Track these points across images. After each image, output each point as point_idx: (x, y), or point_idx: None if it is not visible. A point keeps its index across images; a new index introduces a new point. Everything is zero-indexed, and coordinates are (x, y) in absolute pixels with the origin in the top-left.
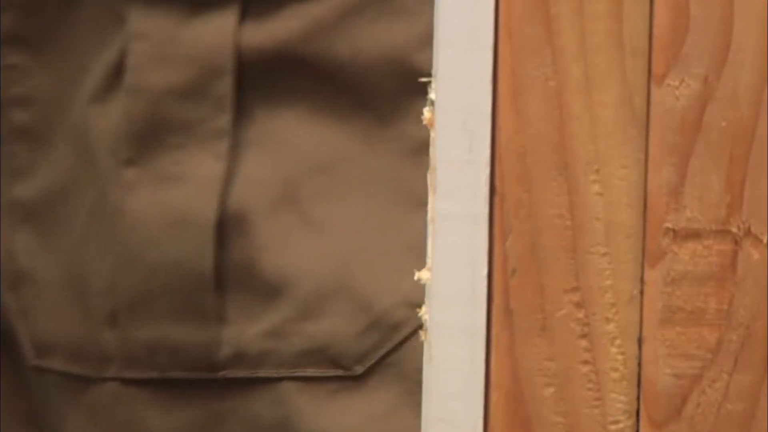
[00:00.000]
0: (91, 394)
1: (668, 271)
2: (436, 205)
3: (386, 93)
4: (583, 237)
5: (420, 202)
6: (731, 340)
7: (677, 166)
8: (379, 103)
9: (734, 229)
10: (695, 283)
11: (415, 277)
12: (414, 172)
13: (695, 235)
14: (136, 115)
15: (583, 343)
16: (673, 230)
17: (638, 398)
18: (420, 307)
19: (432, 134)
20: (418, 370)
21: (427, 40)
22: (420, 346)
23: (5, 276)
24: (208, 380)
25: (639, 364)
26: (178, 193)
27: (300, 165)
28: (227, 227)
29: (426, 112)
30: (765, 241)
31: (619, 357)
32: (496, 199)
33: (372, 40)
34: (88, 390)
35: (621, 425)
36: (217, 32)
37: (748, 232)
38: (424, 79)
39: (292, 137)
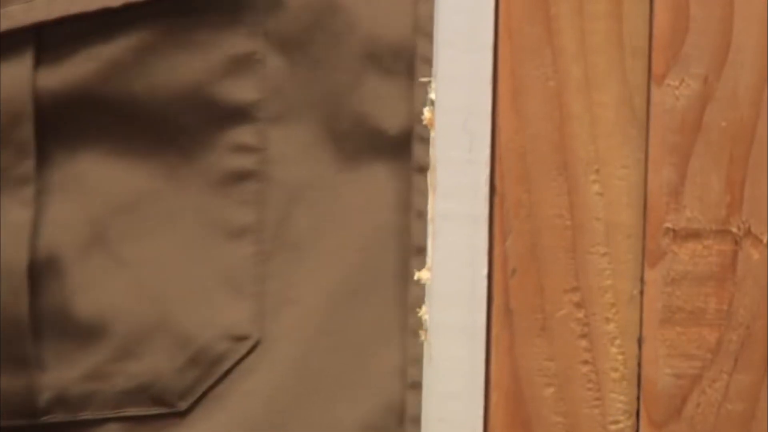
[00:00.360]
0: None
1: (668, 271)
2: (436, 205)
3: (187, 127)
4: (583, 237)
5: (232, 233)
6: (731, 340)
7: (677, 166)
8: (180, 138)
9: (734, 229)
10: (695, 283)
11: (415, 277)
12: (223, 204)
13: (695, 235)
14: None
15: (583, 343)
16: (673, 230)
17: (638, 398)
18: (246, 338)
19: (432, 134)
20: (243, 403)
21: (223, 73)
22: (244, 378)
23: None
24: (30, 427)
25: (639, 364)
26: None
27: (106, 206)
28: (39, 273)
29: (426, 112)
30: (765, 241)
31: (619, 357)
32: (496, 199)
33: (169, 76)
34: None
35: (621, 425)
36: (13, 79)
37: (748, 232)
38: (424, 79)
39: (96, 179)
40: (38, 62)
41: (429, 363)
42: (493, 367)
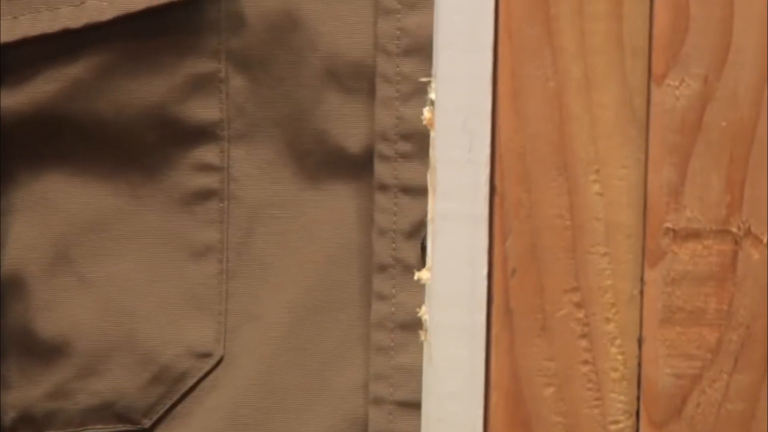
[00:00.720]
0: None
1: (668, 271)
2: (436, 205)
3: (150, 147)
4: (583, 237)
5: (196, 251)
6: (731, 340)
7: (677, 166)
8: (143, 157)
9: (734, 229)
10: (695, 283)
11: (415, 277)
12: (187, 223)
13: (695, 235)
14: None
15: (583, 343)
16: (673, 230)
17: (638, 398)
18: (209, 355)
19: (432, 134)
20: (207, 420)
21: (186, 92)
22: (207, 394)
23: None
24: None
25: (639, 364)
26: None
27: (70, 225)
28: (3, 291)
29: (426, 112)
30: (765, 241)
31: (619, 357)
32: (496, 199)
33: (132, 95)
34: None
35: (621, 425)
36: None
37: (748, 232)
38: (424, 79)
39: (60, 198)
40: (0, 82)
41: (429, 363)
42: (493, 367)
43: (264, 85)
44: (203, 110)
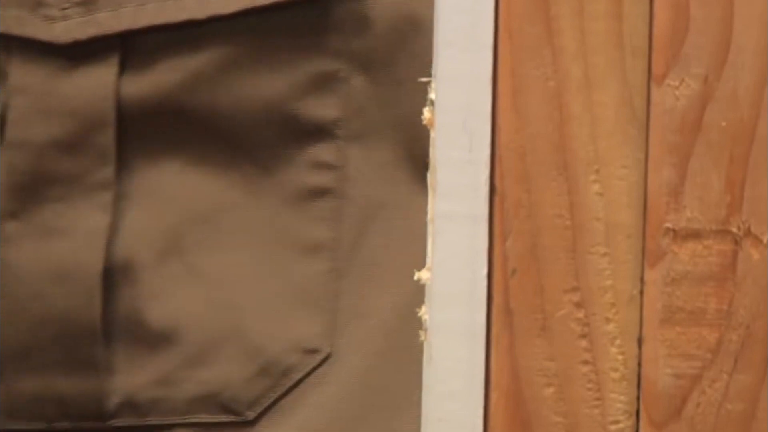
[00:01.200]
0: None
1: (668, 271)
2: (436, 205)
3: (267, 142)
4: (583, 237)
5: (307, 248)
6: (731, 340)
7: (677, 166)
8: (260, 152)
9: (734, 229)
10: (695, 283)
11: (415, 277)
12: (299, 219)
13: (695, 235)
14: (17, 168)
15: (583, 343)
16: (673, 230)
17: (638, 398)
18: (317, 351)
19: (432, 134)
20: (310, 415)
21: (306, 90)
22: (312, 390)
23: None
24: (97, 430)
25: (639, 364)
26: (62, 246)
27: (183, 215)
28: (114, 278)
29: (426, 112)
30: (765, 241)
31: (619, 357)
32: (496, 199)
33: (250, 91)
34: None
35: (621, 425)
36: (98, 84)
37: (748, 232)
38: (424, 79)
39: (174, 188)
40: (123, 69)
41: (429, 363)
42: (493, 367)
43: (384, 87)
44: (322, 109)
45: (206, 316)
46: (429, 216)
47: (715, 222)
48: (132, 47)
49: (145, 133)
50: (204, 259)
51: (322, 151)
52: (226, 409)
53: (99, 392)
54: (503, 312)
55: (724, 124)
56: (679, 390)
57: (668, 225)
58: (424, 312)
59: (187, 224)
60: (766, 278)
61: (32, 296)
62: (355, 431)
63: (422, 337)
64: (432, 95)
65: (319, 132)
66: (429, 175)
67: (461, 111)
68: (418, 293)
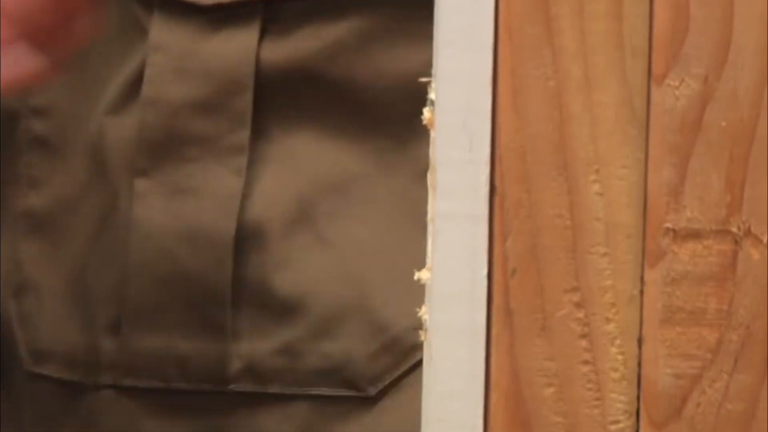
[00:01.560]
0: (85, 402)
1: (668, 271)
2: (436, 205)
3: (402, 116)
4: (583, 237)
5: None
6: (731, 340)
7: (677, 166)
8: (394, 125)
9: (734, 229)
10: (695, 283)
11: (415, 277)
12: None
13: (695, 235)
14: (151, 126)
15: (583, 343)
16: (673, 230)
17: (638, 398)
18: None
19: (432, 134)
20: None
21: None
22: None
23: (9, 284)
24: (216, 393)
25: (639, 364)
26: (194, 206)
27: (314, 184)
28: (244, 243)
29: (426, 112)
30: (765, 241)
31: (619, 357)
32: (496, 199)
33: (390, 63)
34: (82, 397)
35: (621, 425)
36: (238, 48)
37: (748, 232)
38: (424, 79)
39: (308, 156)
40: (264, 35)
41: (429, 363)
42: (493, 367)
43: None
44: None
45: (333, 288)
46: (429, 216)
47: (715, 222)
48: (274, 13)
49: (281, 100)
50: (333, 230)
51: None
52: (348, 384)
53: (222, 356)
54: (503, 312)
55: (724, 124)
56: (679, 390)
57: (668, 225)
58: (424, 312)
59: (317, 193)
60: (766, 278)
61: (160, 255)
62: None
63: (422, 337)
64: (432, 95)
65: None
66: (429, 175)
67: (461, 111)
68: None
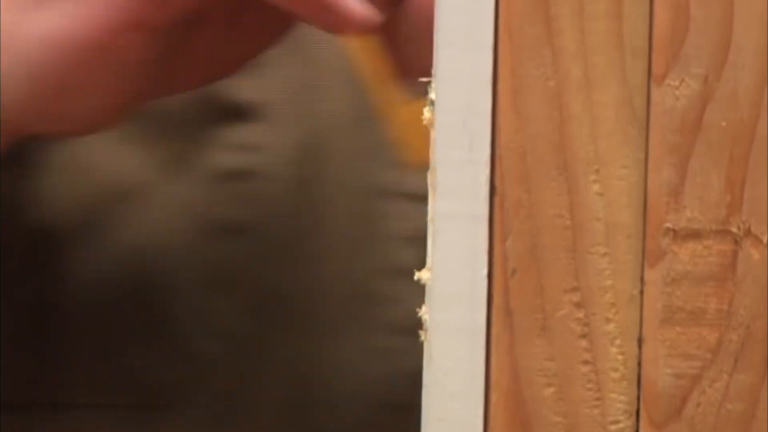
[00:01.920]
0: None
1: (668, 271)
2: (436, 204)
3: (191, 122)
4: (583, 237)
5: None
6: (731, 340)
7: (677, 166)
8: (183, 130)
9: (734, 229)
10: (695, 283)
11: (415, 277)
12: (218, 201)
13: (695, 235)
14: None
15: (583, 343)
16: (673, 230)
17: (638, 398)
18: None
19: (432, 134)
20: None
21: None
22: None
23: None
24: None
25: (639, 364)
26: None
27: (99, 189)
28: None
29: (426, 112)
30: (765, 241)
31: (619, 357)
32: (496, 199)
33: None
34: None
35: (621, 425)
36: None
37: (748, 232)
38: (424, 79)
39: (91, 161)
40: None
41: (429, 363)
42: (493, 367)
43: None
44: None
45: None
46: (429, 216)
47: (715, 222)
48: None
49: None
50: (118, 237)
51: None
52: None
53: None
54: (503, 312)
55: (724, 124)
56: (679, 390)
57: (668, 225)
58: (424, 312)
59: (102, 199)
60: (766, 278)
61: None
62: None
63: (422, 337)
64: (432, 95)
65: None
66: (429, 175)
67: (461, 111)
68: None
